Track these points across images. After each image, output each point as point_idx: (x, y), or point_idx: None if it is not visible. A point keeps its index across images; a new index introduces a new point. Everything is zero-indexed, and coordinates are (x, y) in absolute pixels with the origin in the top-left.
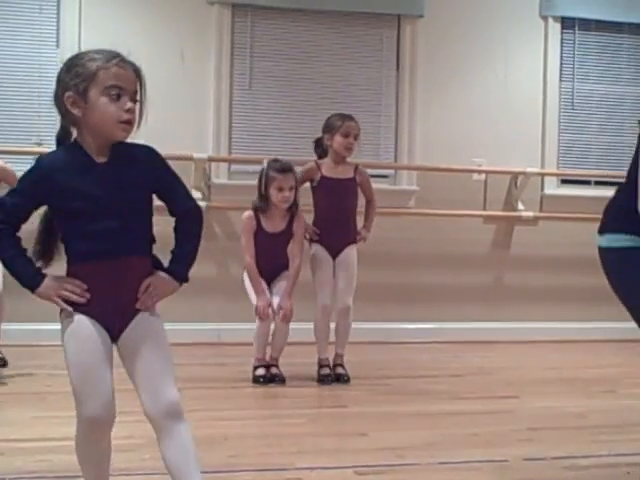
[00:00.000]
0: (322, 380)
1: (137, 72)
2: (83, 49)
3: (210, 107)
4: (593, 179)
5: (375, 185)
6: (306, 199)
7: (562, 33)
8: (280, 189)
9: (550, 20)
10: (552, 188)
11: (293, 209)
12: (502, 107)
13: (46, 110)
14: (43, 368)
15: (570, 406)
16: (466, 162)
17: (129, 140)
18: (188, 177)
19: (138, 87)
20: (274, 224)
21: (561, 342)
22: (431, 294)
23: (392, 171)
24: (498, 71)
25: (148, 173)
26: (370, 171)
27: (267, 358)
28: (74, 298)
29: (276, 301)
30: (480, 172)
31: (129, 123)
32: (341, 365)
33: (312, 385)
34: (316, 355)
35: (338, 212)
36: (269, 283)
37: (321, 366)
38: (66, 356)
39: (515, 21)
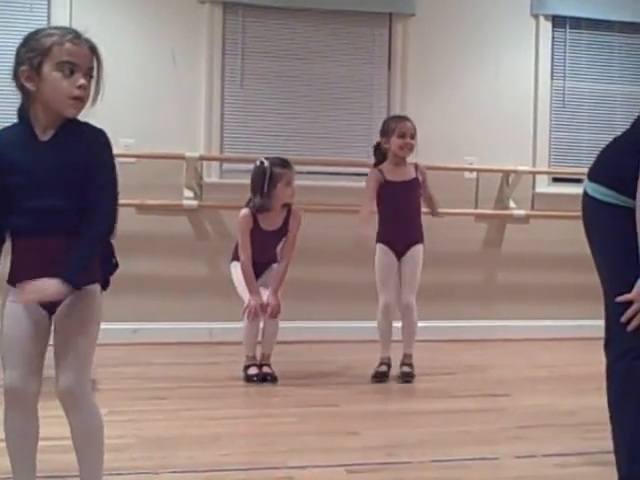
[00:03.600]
0: (375, 377)
1: (93, 49)
2: None
3: (202, 106)
4: (584, 177)
5: None
6: (301, 197)
7: (553, 32)
8: (289, 183)
9: (541, 19)
10: (543, 186)
11: (289, 205)
12: (493, 105)
13: None
14: None
15: (561, 404)
16: (458, 160)
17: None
18: (180, 176)
19: (95, 64)
20: (272, 222)
21: (552, 340)
22: (423, 292)
23: None
24: (489, 70)
25: (87, 156)
26: (362, 170)
27: (258, 357)
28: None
29: (265, 297)
30: (472, 170)
31: (80, 100)
32: (409, 364)
33: (304, 384)
34: (307, 353)
35: (405, 213)
36: (258, 274)
37: (380, 364)
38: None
39: (506, 20)
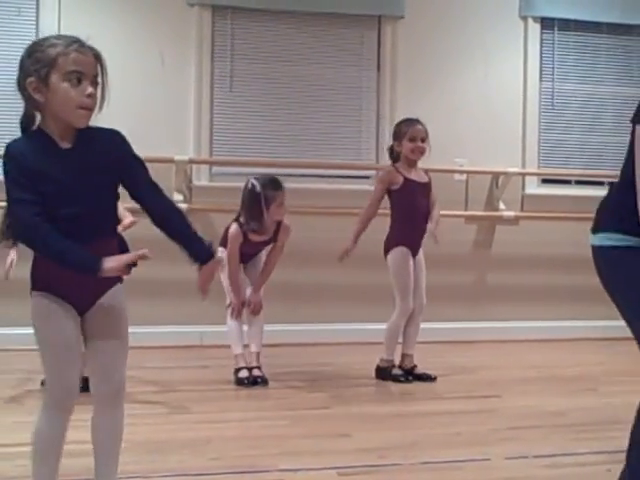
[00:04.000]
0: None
1: (97, 56)
2: None
3: (191, 109)
4: (573, 178)
5: (357, 186)
6: (290, 200)
7: (541, 33)
8: (281, 204)
9: (530, 20)
10: (533, 188)
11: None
12: (483, 107)
13: None
14: (15, 373)
15: (551, 404)
16: (448, 162)
17: (96, 124)
18: (169, 179)
19: (99, 71)
20: (262, 235)
21: (542, 341)
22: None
23: (374, 172)
24: (478, 71)
25: (112, 158)
26: (351, 172)
27: (247, 358)
28: (135, 259)
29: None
30: (461, 172)
31: (89, 108)
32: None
33: (295, 386)
34: (298, 356)
35: (422, 214)
36: (245, 262)
37: (398, 366)
38: (38, 337)
39: (495, 22)
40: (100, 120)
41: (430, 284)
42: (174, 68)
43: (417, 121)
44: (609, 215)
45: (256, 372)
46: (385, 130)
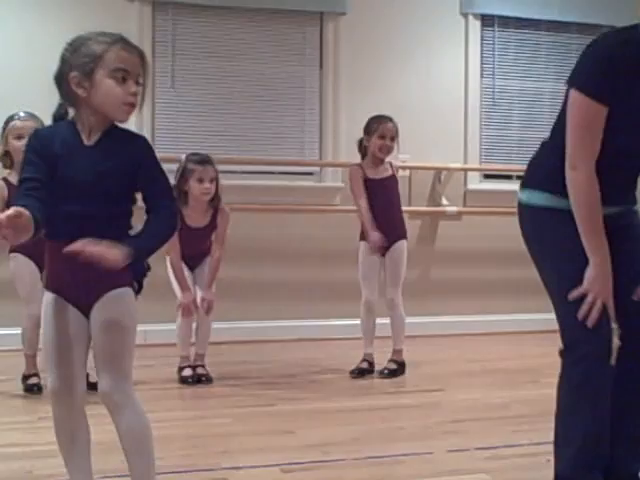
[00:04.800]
0: (352, 372)
1: (142, 56)
2: None
3: None
4: (515, 174)
5: (300, 182)
6: (233, 197)
7: (482, 30)
8: (200, 180)
9: (470, 17)
10: (475, 183)
11: (216, 202)
12: (425, 104)
13: None
14: None
15: (494, 397)
16: (391, 158)
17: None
18: None
19: (141, 71)
20: (197, 219)
21: (485, 335)
22: (357, 290)
23: (317, 168)
24: (420, 68)
25: (132, 163)
26: (295, 168)
27: (192, 358)
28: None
29: (199, 295)
30: (404, 168)
31: (132, 106)
32: (394, 360)
33: (239, 384)
34: (242, 353)
35: (383, 211)
36: (192, 269)
37: (362, 360)
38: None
39: (436, 19)
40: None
41: None
42: None
43: (389, 119)
44: (542, 174)
45: (200, 370)
46: (328, 127)
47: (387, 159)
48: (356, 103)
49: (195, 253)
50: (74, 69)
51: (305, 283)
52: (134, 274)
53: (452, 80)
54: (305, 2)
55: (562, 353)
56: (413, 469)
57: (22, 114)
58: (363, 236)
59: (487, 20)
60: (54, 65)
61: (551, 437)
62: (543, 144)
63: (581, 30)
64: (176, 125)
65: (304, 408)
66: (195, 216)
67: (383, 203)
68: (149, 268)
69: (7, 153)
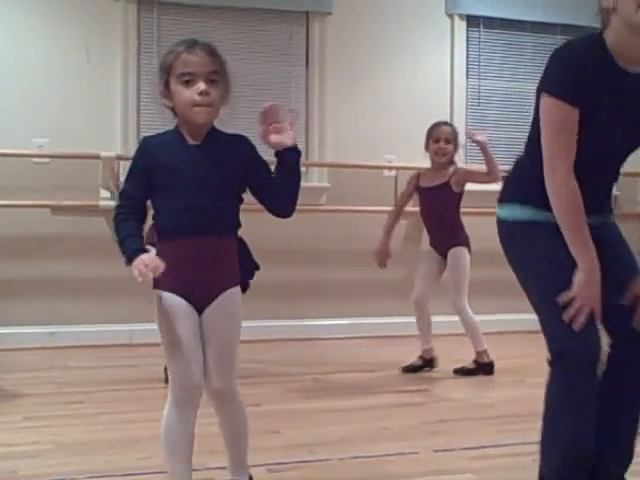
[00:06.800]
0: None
1: (211, 53)
2: None
3: (117, 104)
4: (500, 174)
5: None
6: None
7: (468, 31)
8: None
9: (456, 18)
10: None
11: None
12: (411, 104)
13: None
14: None
15: (480, 397)
16: (377, 158)
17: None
18: (96, 176)
19: (218, 67)
20: None
21: None
22: (345, 290)
23: (303, 168)
24: (406, 68)
25: (240, 159)
26: None
27: None
28: (144, 270)
29: None
30: (390, 168)
31: (204, 105)
32: (474, 361)
33: None
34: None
35: (433, 219)
36: None
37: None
38: (161, 336)
39: (422, 19)
40: (23, 116)
41: (361, 279)
42: (99, 63)
43: (444, 123)
44: (520, 188)
45: None
46: (314, 126)
47: (457, 164)
48: (342, 103)
49: None
50: (160, 84)
51: (291, 283)
52: (246, 274)
53: (438, 80)
54: (291, 2)
55: (549, 362)
56: (399, 469)
57: None
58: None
59: (472, 21)
60: (39, 62)
61: (537, 437)
62: (517, 160)
63: (565, 31)
64: (161, 122)
65: (289, 408)
66: None
67: (429, 212)
68: (258, 267)
69: None
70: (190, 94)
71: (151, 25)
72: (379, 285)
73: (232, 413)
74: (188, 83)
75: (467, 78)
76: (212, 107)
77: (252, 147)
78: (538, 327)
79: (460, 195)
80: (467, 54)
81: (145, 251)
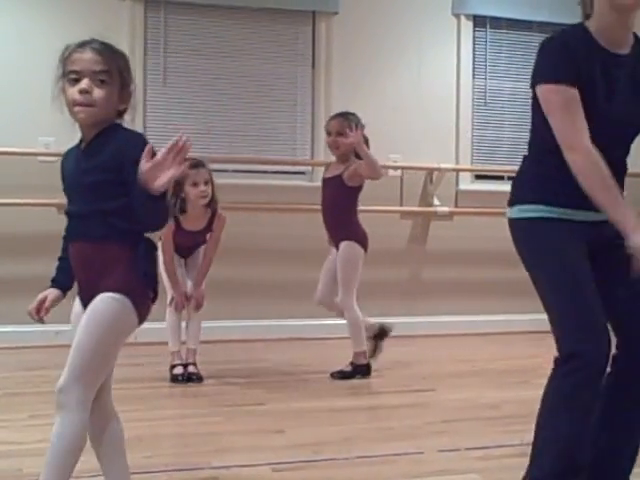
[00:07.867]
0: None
1: (101, 52)
2: None
3: None
4: (506, 174)
5: (292, 182)
6: (225, 196)
7: (474, 31)
8: (195, 184)
9: (462, 18)
10: (466, 183)
11: (214, 205)
12: (416, 104)
13: None
14: None
15: (484, 397)
16: (382, 158)
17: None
18: None
19: (108, 66)
20: (195, 223)
21: (475, 335)
22: None
23: (309, 168)
24: (412, 68)
25: (114, 158)
26: (286, 168)
27: (183, 355)
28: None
29: (189, 285)
30: (396, 168)
31: (85, 105)
32: (350, 363)
33: (230, 383)
34: (233, 353)
35: (325, 210)
36: (185, 257)
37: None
38: None
39: (428, 19)
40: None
41: (365, 279)
42: None
43: (336, 115)
44: (520, 187)
45: (191, 369)
46: (320, 126)
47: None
48: (348, 102)
49: (189, 248)
50: (57, 82)
51: (296, 282)
52: (146, 281)
53: (444, 80)
54: (297, 1)
55: (556, 361)
56: (403, 469)
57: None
58: None
59: (479, 21)
60: (46, 61)
61: None
62: (524, 158)
63: None
64: (167, 122)
65: (294, 407)
66: (193, 221)
67: (324, 203)
68: (149, 277)
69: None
70: (72, 93)
71: (158, 25)
72: (383, 285)
73: (61, 420)
74: (75, 82)
75: (473, 78)
76: (94, 107)
77: (134, 148)
78: (543, 328)
79: (355, 190)
80: (473, 54)
81: (55, 281)
